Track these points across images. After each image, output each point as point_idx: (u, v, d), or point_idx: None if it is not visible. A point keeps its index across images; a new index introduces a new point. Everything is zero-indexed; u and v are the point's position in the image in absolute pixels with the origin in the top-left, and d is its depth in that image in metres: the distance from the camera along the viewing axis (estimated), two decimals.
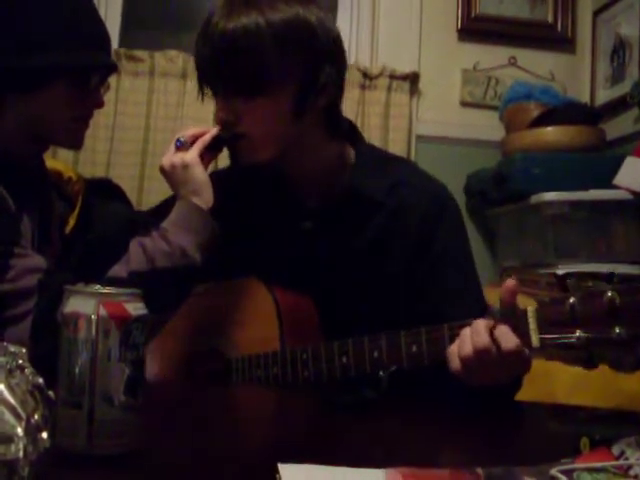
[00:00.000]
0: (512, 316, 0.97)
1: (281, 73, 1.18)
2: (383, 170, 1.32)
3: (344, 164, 1.31)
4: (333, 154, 1.30)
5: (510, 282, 1.00)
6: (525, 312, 0.95)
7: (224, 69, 1.18)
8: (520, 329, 0.95)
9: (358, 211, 1.28)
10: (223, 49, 1.16)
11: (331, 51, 1.23)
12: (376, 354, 1.08)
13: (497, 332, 0.96)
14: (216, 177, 1.25)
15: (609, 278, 0.92)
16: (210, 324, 1.31)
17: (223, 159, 1.42)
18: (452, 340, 1.01)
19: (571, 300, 0.91)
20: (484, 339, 0.95)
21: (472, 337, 0.97)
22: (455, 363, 0.99)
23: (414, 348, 1.05)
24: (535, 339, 0.94)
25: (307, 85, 1.20)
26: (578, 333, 0.90)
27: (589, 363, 0.92)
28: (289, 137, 1.23)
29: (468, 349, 0.97)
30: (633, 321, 0.88)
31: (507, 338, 0.95)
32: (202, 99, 1.25)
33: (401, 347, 1.06)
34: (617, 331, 0.88)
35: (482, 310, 1.13)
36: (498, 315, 0.99)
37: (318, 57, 1.20)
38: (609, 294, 0.89)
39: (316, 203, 1.31)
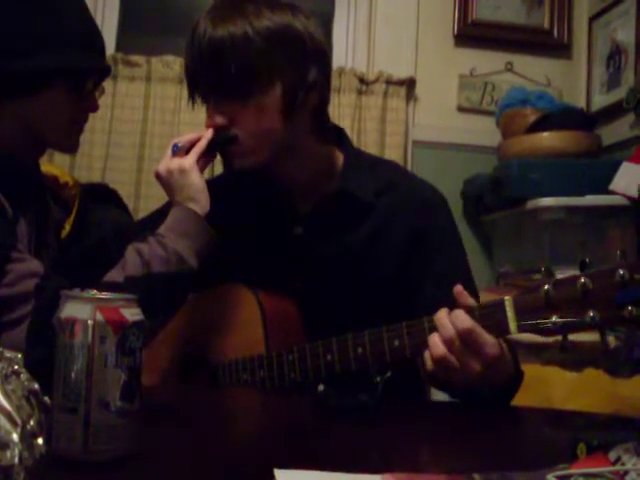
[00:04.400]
0: (489, 305, 1.01)
1: (268, 76, 1.20)
2: (372, 173, 1.34)
3: (333, 168, 1.33)
4: (322, 159, 1.31)
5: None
6: (502, 301, 0.99)
7: (212, 75, 1.19)
8: (498, 317, 0.99)
9: (349, 214, 1.29)
10: (211, 56, 1.18)
11: (316, 54, 1.25)
12: (360, 350, 1.11)
13: (452, 316, 1.00)
14: (209, 185, 1.26)
15: (583, 265, 0.94)
16: (196, 331, 1.31)
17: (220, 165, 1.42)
18: (432, 332, 1.03)
19: (545, 287, 0.95)
20: (449, 330, 1.00)
21: (440, 333, 1.01)
22: (429, 363, 1.02)
23: (396, 342, 1.07)
24: (513, 326, 0.98)
25: (295, 85, 1.22)
26: (554, 318, 0.94)
27: (563, 348, 0.96)
28: (281, 139, 1.24)
29: (440, 348, 1.00)
30: (605, 305, 0.91)
31: (462, 319, 0.99)
32: (192, 106, 1.27)
33: (383, 342, 1.08)
34: (591, 315, 0.91)
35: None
36: (476, 308, 1.02)
37: (304, 60, 1.23)
38: (582, 280, 0.92)
39: (307, 208, 1.31)
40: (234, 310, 1.27)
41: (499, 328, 0.99)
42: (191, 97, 1.27)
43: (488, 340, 0.99)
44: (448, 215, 1.35)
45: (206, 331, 1.29)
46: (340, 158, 1.34)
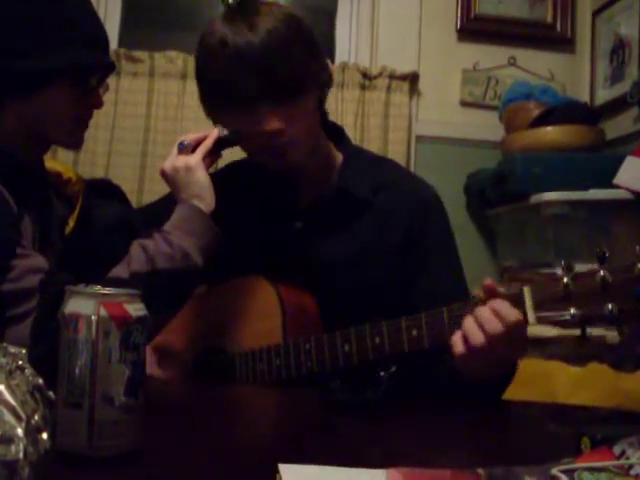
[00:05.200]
0: (508, 296, 1.00)
1: (311, 76, 1.22)
2: (370, 170, 1.36)
3: (332, 165, 1.34)
4: (323, 155, 1.33)
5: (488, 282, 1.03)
6: (521, 291, 0.99)
7: (265, 80, 1.16)
8: (517, 308, 0.99)
9: (346, 210, 1.31)
10: (259, 61, 1.15)
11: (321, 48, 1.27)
12: (378, 340, 1.11)
13: (497, 306, 0.99)
14: (211, 179, 1.26)
15: (602, 258, 0.94)
16: (213, 321, 1.32)
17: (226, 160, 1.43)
18: (451, 322, 1.04)
19: (565, 279, 0.96)
20: (496, 325, 0.98)
21: (483, 325, 0.99)
22: (460, 349, 1.01)
23: (414, 332, 1.08)
24: (531, 316, 0.98)
25: (323, 83, 1.26)
26: (572, 310, 0.95)
27: (581, 338, 0.96)
28: (318, 134, 1.28)
29: (480, 338, 0.98)
30: (624, 298, 0.91)
31: (508, 311, 0.98)
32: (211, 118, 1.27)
33: (402, 332, 1.09)
34: (609, 308, 0.92)
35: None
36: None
37: (322, 57, 1.26)
38: (601, 273, 0.93)
39: (307, 203, 1.32)
40: (252, 301, 1.28)
41: None
42: (219, 106, 1.24)
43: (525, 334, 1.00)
44: (444, 216, 1.36)
45: (224, 322, 1.30)
46: (339, 155, 1.35)
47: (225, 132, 1.25)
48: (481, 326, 0.99)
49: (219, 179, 1.30)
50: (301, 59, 1.19)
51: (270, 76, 1.16)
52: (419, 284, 1.28)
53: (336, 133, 1.38)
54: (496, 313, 0.98)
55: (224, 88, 1.19)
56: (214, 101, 1.25)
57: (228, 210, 1.27)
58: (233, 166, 1.45)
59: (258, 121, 1.18)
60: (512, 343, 1.00)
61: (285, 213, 1.33)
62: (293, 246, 1.31)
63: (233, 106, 1.21)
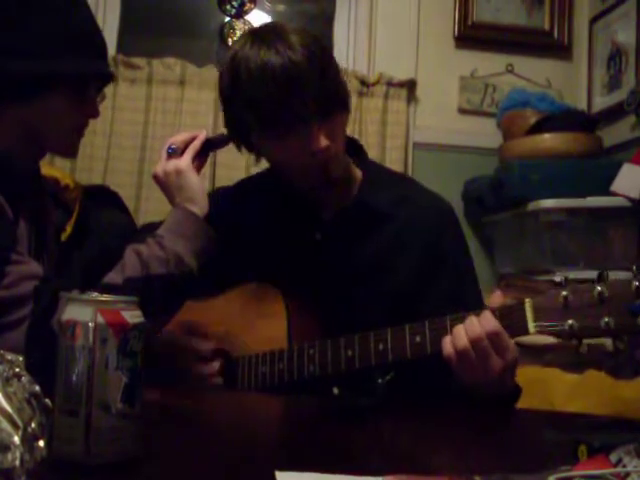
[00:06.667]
0: (509, 306, 1.06)
1: (343, 83, 1.24)
2: (389, 185, 1.37)
3: (352, 178, 1.35)
4: (347, 167, 1.33)
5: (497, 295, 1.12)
6: (522, 302, 1.05)
7: (313, 97, 1.15)
8: (517, 318, 1.04)
9: (366, 224, 1.31)
10: (307, 78, 1.14)
11: None
12: (381, 346, 1.13)
13: (481, 317, 1.05)
14: (232, 191, 1.27)
15: (600, 275, 0.99)
16: (220, 325, 1.32)
17: (231, 167, 1.42)
18: (452, 330, 1.07)
19: (564, 293, 1.01)
20: (478, 330, 1.04)
21: (467, 331, 1.05)
22: (448, 349, 1.06)
23: (417, 339, 1.11)
24: (531, 327, 1.03)
25: (349, 92, 1.28)
26: (570, 322, 1.00)
27: (577, 348, 1.02)
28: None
29: (464, 342, 1.04)
30: (620, 313, 0.96)
31: (488, 320, 1.04)
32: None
33: (405, 338, 1.12)
34: (606, 320, 0.97)
35: None
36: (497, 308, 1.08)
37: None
38: (599, 288, 0.98)
39: (328, 215, 1.33)
40: (259, 307, 1.29)
41: (518, 328, 1.05)
42: (264, 129, 1.20)
43: (511, 344, 1.05)
44: (460, 229, 1.38)
45: (230, 325, 1.31)
46: (357, 169, 1.36)
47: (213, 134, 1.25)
48: (466, 331, 1.05)
49: (238, 193, 1.30)
50: (335, 72, 1.20)
51: (318, 92, 1.15)
52: (436, 296, 1.28)
53: (353, 147, 1.38)
54: (479, 321, 1.05)
55: (273, 110, 1.16)
56: (261, 125, 1.20)
57: (251, 219, 1.27)
58: (248, 180, 1.46)
59: (310, 140, 1.17)
60: (495, 347, 1.04)
61: (305, 225, 1.34)
62: (312, 257, 1.32)
63: (284, 128, 1.17)
